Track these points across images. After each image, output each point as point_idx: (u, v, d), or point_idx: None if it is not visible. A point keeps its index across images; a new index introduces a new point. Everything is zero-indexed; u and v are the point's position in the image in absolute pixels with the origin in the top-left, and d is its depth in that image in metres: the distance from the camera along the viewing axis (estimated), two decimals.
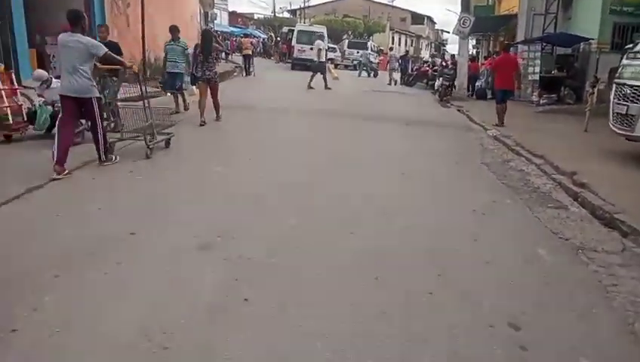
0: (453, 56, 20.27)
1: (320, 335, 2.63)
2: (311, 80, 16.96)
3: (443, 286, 3.28)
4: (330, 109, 12.14)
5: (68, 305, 2.77)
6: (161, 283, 3.09)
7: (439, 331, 2.76)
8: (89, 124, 5.91)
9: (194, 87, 9.73)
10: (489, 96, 13.79)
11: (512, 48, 16.06)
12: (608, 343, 2.77)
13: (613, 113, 7.28)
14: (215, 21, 35.94)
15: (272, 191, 5.14)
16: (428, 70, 21.69)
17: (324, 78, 17.11)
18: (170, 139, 6.87)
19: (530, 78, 15.14)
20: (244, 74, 21.39)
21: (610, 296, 3.31)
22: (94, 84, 5.70)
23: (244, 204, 4.69)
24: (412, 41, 62.03)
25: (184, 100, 10.28)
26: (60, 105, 5.79)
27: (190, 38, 18.48)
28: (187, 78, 9.90)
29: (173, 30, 10.02)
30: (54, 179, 5.03)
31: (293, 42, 28.03)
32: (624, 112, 6.91)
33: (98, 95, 5.74)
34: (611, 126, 7.31)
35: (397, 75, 23.59)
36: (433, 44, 66.98)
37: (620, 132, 7.07)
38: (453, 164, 7.08)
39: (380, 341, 2.62)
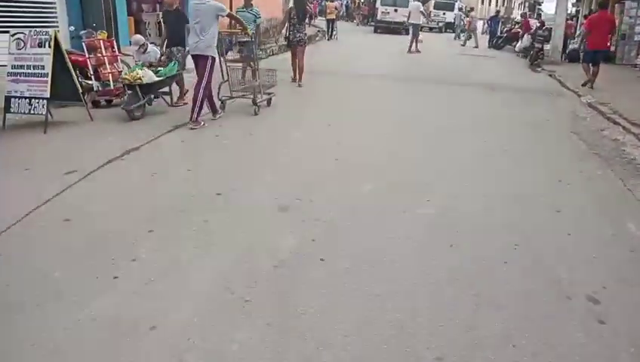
0: (539, 16, 18.75)
1: (391, 295, 2.73)
2: (411, 44, 16.90)
3: (519, 256, 3.24)
4: (413, 75, 11.88)
5: (161, 257, 3.07)
6: (243, 241, 3.32)
7: (512, 298, 2.76)
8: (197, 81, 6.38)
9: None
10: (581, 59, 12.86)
11: (617, 4, 14.85)
12: None
13: None
14: None
15: (350, 156, 5.22)
16: (519, 32, 20.33)
17: (415, 41, 16.88)
18: (271, 98, 7.52)
19: (636, 38, 13.81)
20: (327, 38, 21.39)
21: None
22: (215, 45, 6.35)
23: (323, 169, 4.82)
24: (504, 0, 58.21)
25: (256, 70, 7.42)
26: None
27: (276, 2, 18.55)
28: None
29: None
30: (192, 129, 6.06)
31: (377, 4, 27.37)
32: None
33: (214, 56, 6.36)
34: None
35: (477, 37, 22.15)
36: (527, 3, 62.43)
37: None
38: (540, 131, 6.75)
39: (452, 304, 2.68)
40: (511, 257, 3.22)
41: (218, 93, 6.88)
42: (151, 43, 8.38)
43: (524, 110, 8.32)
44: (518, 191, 4.45)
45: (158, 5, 12.88)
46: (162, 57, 7.41)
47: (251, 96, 7.04)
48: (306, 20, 9.89)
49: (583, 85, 9.96)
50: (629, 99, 8.61)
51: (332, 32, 21.53)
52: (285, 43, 10.53)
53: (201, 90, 6.18)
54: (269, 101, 7.49)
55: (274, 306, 2.61)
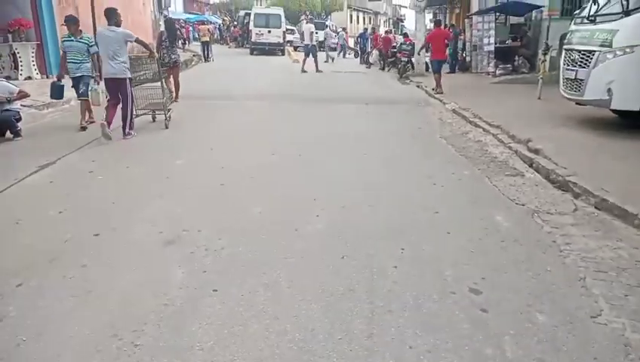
0: (405, 34, 20.62)
1: (290, 316, 2.71)
2: (304, 63, 17.75)
3: (406, 259, 3.40)
4: (288, 93, 12.13)
5: (34, 314, 2.76)
6: (128, 282, 3.10)
7: (403, 301, 2.88)
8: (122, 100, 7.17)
9: (100, 90, 7.75)
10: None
11: (466, 19, 16.63)
12: (562, 298, 2.94)
13: (563, 79, 7.52)
14: (169, 8, 35.07)
15: (234, 180, 5.15)
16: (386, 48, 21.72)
17: (316, 62, 17.79)
18: (170, 113, 8.12)
19: (485, 49, 15.42)
20: (204, 60, 21.85)
21: (563, 254, 3.51)
22: (128, 67, 7.19)
23: (209, 195, 4.70)
24: (370, 18, 61.99)
25: (89, 111, 7.95)
26: None
27: (144, 27, 18.14)
28: (92, 83, 7.78)
29: (70, 22, 7.69)
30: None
31: (251, 26, 27.66)
32: (573, 77, 7.15)
33: (130, 76, 7.25)
34: (562, 92, 7.56)
35: (334, 53, 23.72)
36: (391, 20, 67.10)
37: (570, 97, 7.32)
38: (413, 140, 7.23)
39: (348, 316, 2.72)
40: (399, 261, 3.37)
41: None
42: (5, 77, 7.66)
43: (396, 120, 8.87)
44: (398, 197, 4.69)
45: (9, 36, 11.81)
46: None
47: (155, 113, 8.14)
48: (178, 43, 9.97)
49: (434, 90, 11.98)
50: (486, 103, 9.58)
51: (208, 53, 22.08)
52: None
53: (129, 106, 7.14)
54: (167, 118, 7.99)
55: (168, 346, 2.46)
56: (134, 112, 7.46)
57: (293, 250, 3.54)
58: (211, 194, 4.76)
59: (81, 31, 7.82)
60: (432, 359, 2.40)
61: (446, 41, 13.16)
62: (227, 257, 3.42)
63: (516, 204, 4.49)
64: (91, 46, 7.70)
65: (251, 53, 26.78)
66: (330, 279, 3.12)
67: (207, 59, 21.95)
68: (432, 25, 16.97)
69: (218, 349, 2.44)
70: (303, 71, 17.47)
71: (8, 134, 7.07)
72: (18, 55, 11.98)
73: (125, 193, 4.78)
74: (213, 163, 5.81)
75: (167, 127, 7.78)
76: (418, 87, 13.76)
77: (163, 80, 8.19)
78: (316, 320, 2.69)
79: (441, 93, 11.59)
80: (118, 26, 7.14)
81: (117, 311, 2.76)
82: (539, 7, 14.33)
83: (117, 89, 7.13)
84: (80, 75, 7.72)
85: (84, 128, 7.58)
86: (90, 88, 7.76)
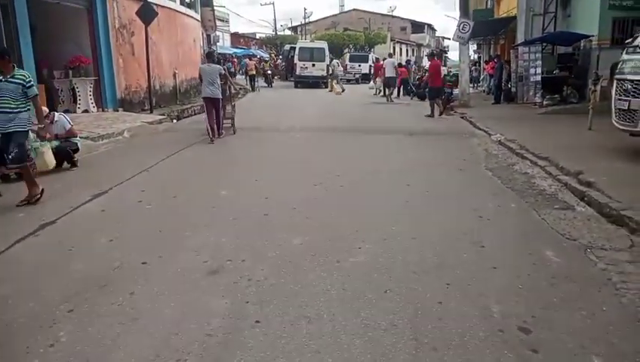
0: (400, 64, 22.18)
1: (331, 350, 2.68)
2: (385, 92, 19.84)
3: (452, 295, 3.31)
4: (333, 125, 12.25)
5: (83, 338, 2.84)
6: (173, 310, 3.15)
7: (449, 338, 2.79)
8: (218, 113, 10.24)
9: (49, 146, 6.95)
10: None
11: (512, 50, 16.57)
12: (620, 340, 2.78)
13: (615, 109, 7.29)
14: (218, 43, 36.51)
15: (277, 211, 5.21)
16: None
17: (391, 92, 19.96)
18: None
19: (532, 79, 15.18)
20: (251, 90, 24.75)
21: (619, 292, 3.32)
22: (220, 91, 10.16)
23: (252, 227, 4.76)
24: (413, 50, 62.38)
25: (32, 183, 5.67)
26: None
27: (194, 62, 18.92)
28: (33, 140, 6.45)
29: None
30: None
31: (295, 59, 28.32)
32: (626, 108, 6.92)
33: (221, 97, 10.25)
34: (614, 122, 7.31)
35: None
36: (434, 52, 67.22)
37: (623, 128, 7.07)
38: (458, 171, 7.12)
39: (392, 352, 2.66)
40: (444, 297, 3.28)
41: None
42: (64, 110, 8.10)
43: (441, 152, 8.78)
44: (443, 230, 4.60)
45: (70, 71, 12.55)
46: None
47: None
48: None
49: (429, 116, 13.88)
50: (533, 135, 9.36)
51: (254, 84, 25.06)
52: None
53: (220, 116, 10.32)
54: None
55: None
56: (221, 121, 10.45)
57: (334, 282, 3.51)
58: (255, 224, 4.81)
59: (13, 67, 5.66)
60: None
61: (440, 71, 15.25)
62: (269, 288, 3.43)
63: (567, 238, 4.31)
64: (29, 87, 5.58)
65: (295, 86, 27.33)
66: (372, 313, 3.07)
67: (253, 89, 24.71)
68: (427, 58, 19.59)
69: None
70: (390, 100, 19.13)
71: (65, 164, 7.45)
72: (77, 90, 12.72)
73: (172, 222, 4.91)
74: (257, 193, 5.90)
75: (234, 133, 10.78)
76: (462, 118, 13.62)
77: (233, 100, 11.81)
78: (358, 355, 2.64)
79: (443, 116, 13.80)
80: (216, 62, 10.85)
81: (161, 340, 2.80)
82: (587, 36, 14.05)
83: (213, 106, 9.97)
84: (12, 130, 5.48)
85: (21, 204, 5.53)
86: (31, 148, 6.22)
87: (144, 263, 3.87)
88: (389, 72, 19.65)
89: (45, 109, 7.63)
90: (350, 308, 3.15)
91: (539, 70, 15.01)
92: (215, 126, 10.02)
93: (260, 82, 26.53)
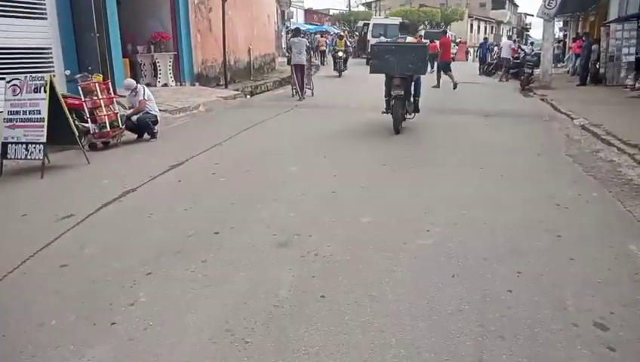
0: (528, 42, 20.28)
1: (395, 330, 2.68)
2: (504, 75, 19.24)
3: (523, 284, 3.20)
4: None
5: (160, 301, 3.03)
6: (242, 280, 3.28)
7: (518, 327, 2.70)
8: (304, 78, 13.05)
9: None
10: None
11: (602, 27, 15.44)
12: None
13: None
14: (291, 19, 36.66)
15: (345, 188, 5.22)
16: (509, 58, 20.67)
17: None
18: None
19: (624, 60, 14.07)
20: (320, 63, 25.47)
21: None
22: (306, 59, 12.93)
23: (321, 203, 4.81)
24: (492, 27, 59.52)
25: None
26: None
27: (268, 38, 19.19)
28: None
29: None
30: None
31: (369, 36, 27.86)
32: None
33: (306, 64, 13.02)
34: None
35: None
36: (515, 30, 63.79)
37: None
38: (536, 156, 6.77)
39: (456, 338, 2.62)
40: (515, 285, 3.17)
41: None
42: (146, 84, 8.49)
43: (518, 135, 8.38)
44: (517, 217, 4.42)
45: (152, 46, 13.10)
46: None
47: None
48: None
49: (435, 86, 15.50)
50: (621, 119, 8.71)
51: (323, 60, 26.66)
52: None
53: (305, 79, 13.01)
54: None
55: (275, 347, 2.55)
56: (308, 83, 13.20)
57: (400, 263, 3.49)
58: (323, 201, 4.86)
59: None
60: None
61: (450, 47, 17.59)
62: (335, 264, 3.47)
63: None
64: None
65: (367, 63, 26.96)
66: (438, 297, 3.03)
67: (322, 63, 25.85)
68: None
69: (323, 355, 2.48)
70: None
71: (146, 135, 7.85)
72: (158, 64, 13.28)
73: (244, 195, 5.06)
74: (325, 171, 5.94)
75: (312, 95, 13.35)
76: (542, 100, 12.88)
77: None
78: (422, 338, 2.62)
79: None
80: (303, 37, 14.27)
81: (231, 307, 2.93)
82: None
83: (300, 71, 12.75)
84: None
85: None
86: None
87: (216, 233, 4.03)
88: (505, 53, 19.62)
89: (131, 81, 8.07)
90: (416, 290, 3.12)
91: (632, 50, 13.86)
92: (300, 87, 12.68)
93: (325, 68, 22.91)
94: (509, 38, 20.56)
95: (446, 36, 18.21)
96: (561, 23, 30.37)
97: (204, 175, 5.82)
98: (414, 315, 2.83)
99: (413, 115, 8.68)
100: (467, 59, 35.32)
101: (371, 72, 8.35)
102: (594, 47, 15.78)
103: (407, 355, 2.48)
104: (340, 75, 19.73)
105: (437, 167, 6.21)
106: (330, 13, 55.47)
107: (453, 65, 16.68)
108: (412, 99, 8.48)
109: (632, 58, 13.84)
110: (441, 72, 16.02)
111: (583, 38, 18.44)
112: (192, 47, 13.97)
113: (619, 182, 5.43)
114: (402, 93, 7.97)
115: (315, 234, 3.98)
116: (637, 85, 13.10)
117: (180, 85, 13.68)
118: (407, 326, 2.73)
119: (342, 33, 27.55)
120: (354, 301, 2.98)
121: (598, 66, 15.69)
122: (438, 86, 15.70)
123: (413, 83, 8.38)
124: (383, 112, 8.48)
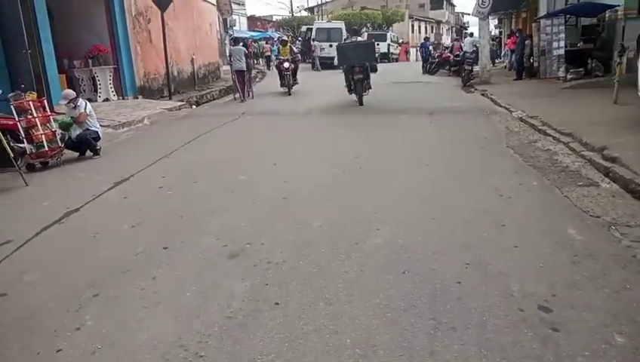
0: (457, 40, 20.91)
1: (349, 331, 2.70)
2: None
3: (471, 275, 3.29)
4: (351, 104, 12.15)
5: (108, 322, 2.92)
6: (194, 293, 3.22)
7: (468, 318, 2.78)
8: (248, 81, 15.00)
9: None
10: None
11: (534, 23, 16.11)
12: None
13: None
14: (234, 27, 36.37)
15: (295, 194, 5.23)
16: (449, 56, 21.35)
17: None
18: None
19: (555, 53, 14.75)
20: (267, 69, 27.06)
21: None
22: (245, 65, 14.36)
23: (271, 210, 4.79)
24: (432, 27, 61.18)
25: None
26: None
27: (212, 47, 18.91)
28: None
29: None
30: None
31: (313, 41, 28.08)
32: None
33: (246, 69, 14.53)
34: None
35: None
36: (454, 29, 65.90)
37: None
38: (478, 150, 7.01)
39: (410, 333, 2.67)
40: (463, 277, 3.26)
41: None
42: (87, 99, 8.21)
43: (461, 130, 8.65)
44: (463, 210, 4.56)
45: (90, 60, 12.68)
46: None
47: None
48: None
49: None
50: (556, 110, 9.15)
51: (269, 65, 27.53)
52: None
53: (247, 83, 14.76)
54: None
55: (230, 359, 2.52)
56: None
57: (353, 263, 3.52)
58: (274, 207, 4.84)
59: None
60: None
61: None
62: (288, 270, 3.46)
63: (590, 216, 4.23)
64: None
65: (313, 68, 27.12)
66: (391, 294, 3.08)
67: (269, 68, 26.85)
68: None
69: None
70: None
71: (88, 153, 7.58)
72: (97, 78, 12.86)
73: (192, 207, 4.97)
74: (275, 177, 5.92)
75: (253, 97, 14.91)
76: (483, 95, 13.36)
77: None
78: (377, 336, 2.65)
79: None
80: (245, 47, 16.23)
81: (183, 323, 2.86)
82: (612, 6, 13.54)
83: (241, 75, 14.33)
84: None
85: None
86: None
87: (165, 248, 3.94)
88: (468, 49, 19.66)
89: (70, 92, 7.77)
90: (368, 289, 3.16)
91: (562, 43, 14.56)
92: (242, 91, 14.37)
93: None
94: (427, 40, 21.58)
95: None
96: (496, 21, 31.67)
97: (151, 189, 5.67)
98: (368, 314, 2.86)
99: (367, 91, 11.99)
100: (408, 60, 36.19)
101: (339, 63, 13.25)
102: (527, 42, 16.51)
103: (363, 354, 2.50)
104: (289, 93, 15.39)
105: (385, 167, 6.31)
106: (274, 20, 55.42)
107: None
108: (367, 81, 11.82)
109: (562, 51, 14.55)
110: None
111: (517, 35, 19.28)
112: (133, 60, 13.62)
113: (556, 169, 5.70)
114: (361, 76, 11.64)
115: (267, 242, 3.96)
116: (568, 77, 13.80)
117: (122, 99, 13.31)
118: (362, 325, 2.76)
119: (284, 38, 21.77)
120: (308, 305, 2.99)
121: (532, 60, 16.43)
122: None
123: (367, 68, 11.70)
124: (350, 92, 12.07)
